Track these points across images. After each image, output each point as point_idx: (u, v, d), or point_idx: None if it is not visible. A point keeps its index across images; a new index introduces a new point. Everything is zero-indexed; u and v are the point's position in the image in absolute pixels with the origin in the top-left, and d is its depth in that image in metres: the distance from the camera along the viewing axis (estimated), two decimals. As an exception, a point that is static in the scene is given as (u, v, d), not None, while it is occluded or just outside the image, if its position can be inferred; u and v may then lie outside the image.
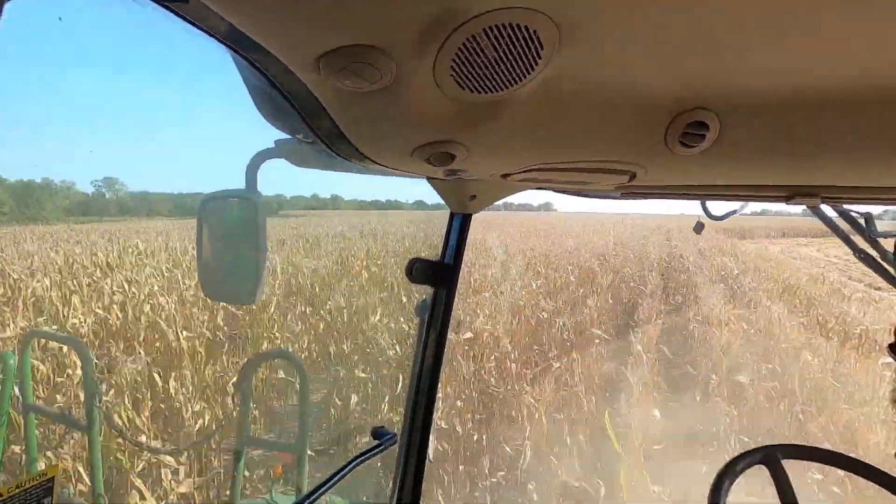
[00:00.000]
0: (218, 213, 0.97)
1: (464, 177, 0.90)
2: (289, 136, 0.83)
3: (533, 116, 0.60)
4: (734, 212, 1.03)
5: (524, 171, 0.81)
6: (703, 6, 0.38)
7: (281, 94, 0.56)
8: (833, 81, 0.49)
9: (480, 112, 0.57)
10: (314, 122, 0.62)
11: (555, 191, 1.12)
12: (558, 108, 0.58)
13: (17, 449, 3.31)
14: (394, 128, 0.63)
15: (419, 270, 1.14)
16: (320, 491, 1.07)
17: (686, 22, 0.41)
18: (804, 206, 0.92)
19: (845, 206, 0.95)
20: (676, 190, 0.90)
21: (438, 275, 1.17)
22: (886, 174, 0.70)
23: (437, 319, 1.18)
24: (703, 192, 0.93)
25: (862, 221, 0.95)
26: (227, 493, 2.81)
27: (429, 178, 0.97)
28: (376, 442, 1.21)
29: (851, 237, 1.02)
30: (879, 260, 1.01)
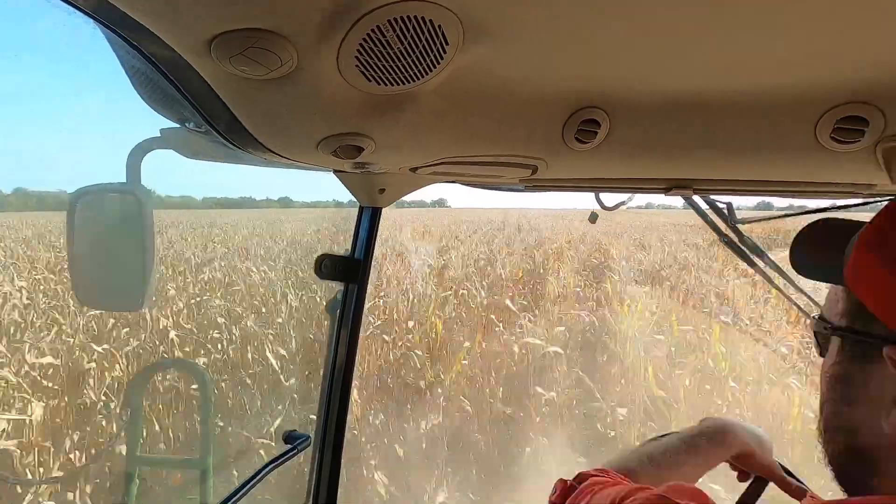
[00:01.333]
0: (94, 209, 0.86)
1: (372, 170, 0.89)
2: (176, 125, 0.76)
3: (439, 110, 0.61)
4: (623, 203, 1.13)
5: (433, 165, 0.82)
6: (598, 13, 0.41)
7: (165, 79, 0.51)
8: (706, 86, 0.55)
9: (387, 104, 0.57)
10: (207, 111, 0.57)
11: (463, 184, 1.14)
12: (464, 103, 0.60)
13: None
14: (297, 119, 0.60)
15: (328, 266, 1.11)
16: (230, 500, 1.00)
17: (582, 26, 0.43)
18: (681, 198, 1.03)
19: (712, 197, 1.09)
20: (574, 183, 0.96)
21: (348, 270, 1.15)
22: (748, 169, 0.81)
23: (348, 316, 1.15)
24: (597, 185, 1.01)
25: (725, 210, 1.09)
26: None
27: (336, 172, 0.94)
28: (288, 446, 1.16)
29: (717, 224, 1.17)
30: (738, 244, 1.16)
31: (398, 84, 0.50)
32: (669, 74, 0.53)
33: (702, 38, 0.45)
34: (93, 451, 4.38)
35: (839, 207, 1.14)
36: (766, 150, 0.71)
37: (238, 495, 1.02)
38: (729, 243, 1.13)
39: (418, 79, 0.50)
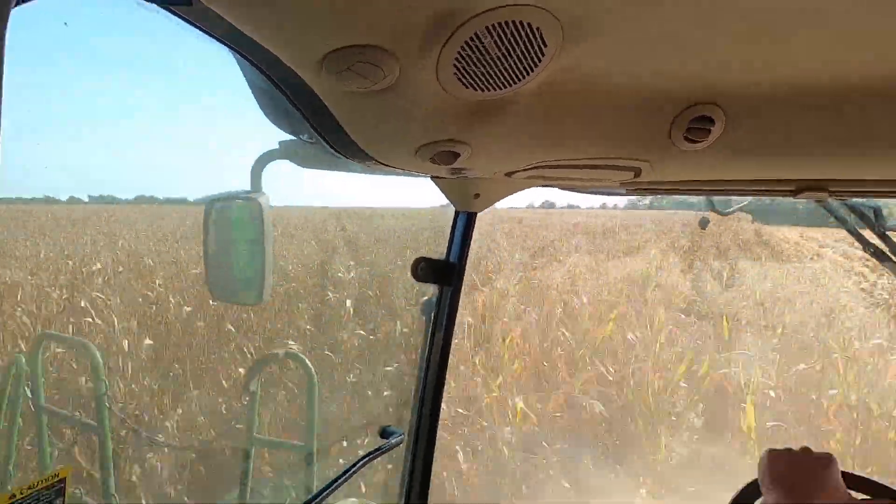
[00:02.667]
0: (223, 215, 0.98)
1: (468, 175, 0.90)
2: (293, 137, 0.83)
3: (537, 114, 0.60)
4: (741, 206, 1.02)
5: (529, 169, 0.81)
6: (707, 1, 0.38)
7: (284, 95, 0.56)
8: (839, 76, 0.48)
9: (484, 110, 0.57)
10: (317, 123, 0.62)
11: (560, 188, 1.12)
12: (562, 105, 0.58)
13: (30, 450, 3.34)
14: (397, 127, 0.63)
15: (424, 269, 1.14)
16: (329, 490, 1.07)
17: (690, 17, 0.40)
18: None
19: (854, 200, 0.94)
20: (682, 185, 0.89)
21: (443, 273, 1.17)
22: (894, 167, 0.69)
23: (442, 318, 1.18)
24: (709, 188, 0.92)
25: (871, 215, 0.94)
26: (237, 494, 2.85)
27: (433, 177, 0.97)
28: (384, 441, 1.21)
29: (861, 231, 1.01)
30: (888, 253, 1.00)
31: (495, 89, 0.50)
32: (795, 62, 0.47)
33: (834, 18, 0.39)
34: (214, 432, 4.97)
35: None
36: None
37: (338, 483, 1.08)
38: (876, 253, 0.98)
39: (515, 83, 0.50)
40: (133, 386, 5.28)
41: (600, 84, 0.54)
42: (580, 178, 0.88)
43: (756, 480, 0.92)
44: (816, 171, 0.76)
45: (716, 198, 1.04)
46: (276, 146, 0.96)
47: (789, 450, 0.76)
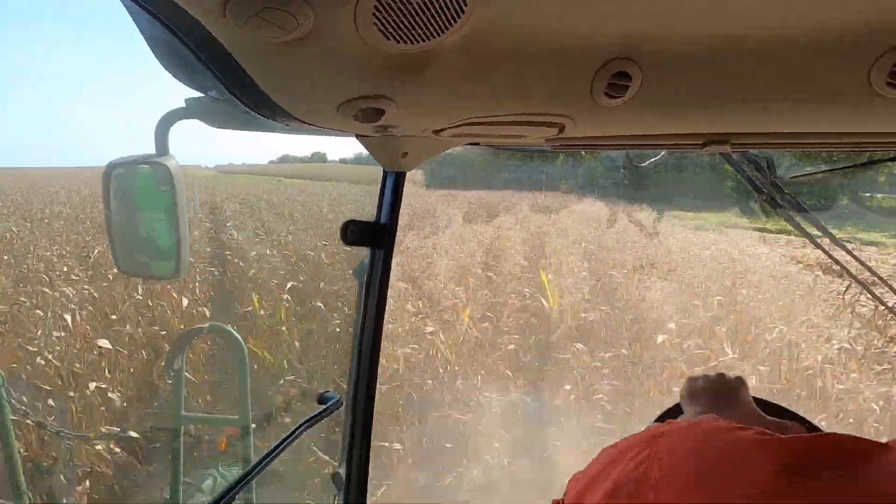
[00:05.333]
0: (127, 181, 0.89)
1: (395, 133, 0.88)
2: (200, 94, 0.76)
3: (461, 69, 0.58)
4: (657, 160, 1.09)
5: (456, 126, 0.80)
6: None
7: (186, 47, 0.51)
8: (745, 30, 0.51)
9: (408, 64, 0.55)
10: (227, 78, 0.57)
11: (487, 145, 1.12)
12: (487, 59, 0.57)
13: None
14: (317, 82, 0.59)
15: (354, 232, 1.12)
16: (267, 460, 1.06)
17: None
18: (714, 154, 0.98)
19: (751, 153, 1.03)
20: (603, 141, 0.93)
21: (375, 235, 1.15)
22: (791, 121, 0.76)
23: (375, 281, 1.17)
24: (628, 143, 0.97)
25: (765, 166, 1.04)
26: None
27: (358, 136, 0.93)
28: (321, 407, 1.20)
29: (755, 181, 1.11)
30: (779, 201, 1.11)
31: (418, 41, 0.48)
32: (705, 18, 0.49)
33: None
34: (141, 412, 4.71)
35: (891, 159, 1.07)
36: (812, 99, 0.66)
37: (275, 452, 1.07)
38: (769, 201, 1.08)
39: (438, 34, 0.48)
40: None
41: (523, 39, 0.53)
42: (506, 135, 0.89)
43: (678, 403, 1.05)
44: (721, 126, 0.81)
45: (632, 152, 1.09)
46: (183, 104, 0.88)
47: (706, 375, 0.85)
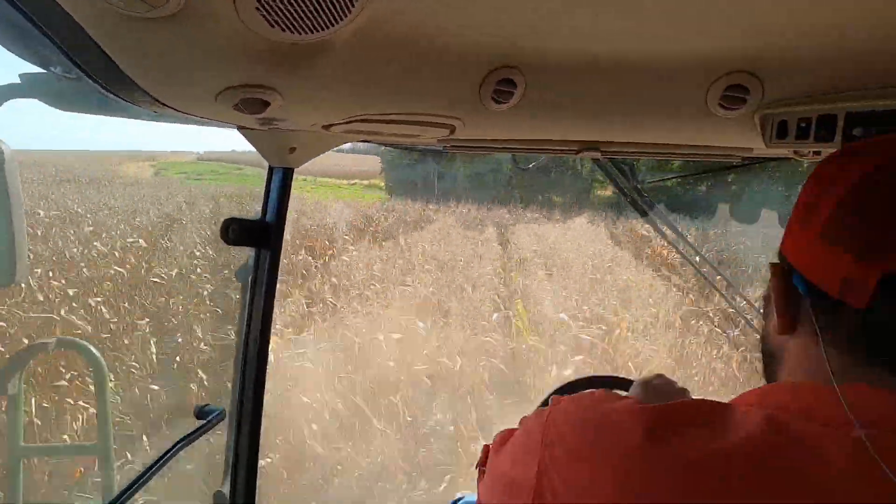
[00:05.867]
0: None
1: (281, 126, 0.83)
2: (41, 70, 0.65)
3: (353, 64, 0.57)
4: (539, 163, 1.17)
5: (346, 122, 0.78)
6: None
7: (20, 13, 0.43)
8: (612, 49, 0.57)
9: (297, 55, 0.52)
10: (77, 54, 0.49)
11: (379, 143, 1.11)
12: (378, 57, 0.57)
13: None
14: (190, 66, 0.53)
15: (236, 231, 1.03)
16: (134, 487, 0.94)
17: None
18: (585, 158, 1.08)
19: (618, 159, 1.15)
20: (492, 143, 0.97)
21: (260, 235, 1.08)
22: (647, 132, 0.86)
23: (261, 283, 1.09)
24: (513, 146, 1.02)
25: (629, 172, 1.17)
26: (5, 516, 2.33)
27: (240, 128, 0.87)
28: (201, 422, 1.10)
29: (621, 185, 1.25)
30: (640, 203, 1.26)
31: (306, 32, 0.46)
32: (580, 35, 0.54)
33: (608, 1, 0.46)
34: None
35: (720, 169, 1.26)
36: (664, 115, 0.76)
37: (143, 479, 0.95)
38: (633, 202, 1.22)
39: (328, 27, 0.46)
40: None
41: (415, 38, 0.54)
42: (398, 134, 0.89)
43: (568, 383, 1.15)
44: (593, 134, 0.90)
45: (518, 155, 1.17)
46: (18, 80, 0.74)
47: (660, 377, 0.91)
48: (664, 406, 0.43)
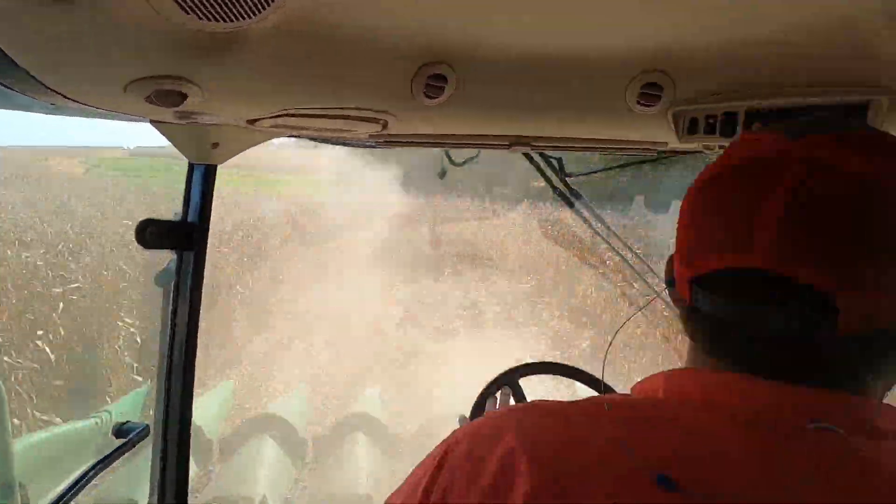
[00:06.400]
0: None
1: (202, 121, 0.78)
2: None
3: (278, 55, 0.55)
4: (472, 159, 1.19)
5: (273, 117, 0.75)
6: None
7: None
8: (539, 46, 0.59)
9: (216, 45, 0.49)
10: None
11: (309, 138, 1.07)
12: (304, 50, 0.55)
13: None
14: (94, 56, 0.49)
15: (154, 234, 0.96)
16: None
17: None
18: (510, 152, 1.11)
19: (547, 153, 1.20)
20: (424, 139, 0.97)
21: (182, 236, 1.01)
22: (573, 127, 0.90)
23: (185, 288, 1.02)
24: (447, 142, 1.03)
25: (557, 165, 1.22)
26: None
27: (153, 122, 0.80)
28: (121, 441, 1.02)
29: (549, 178, 1.30)
30: (567, 195, 1.31)
31: (225, 20, 0.44)
32: (509, 32, 0.55)
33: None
34: None
35: (641, 162, 1.35)
36: (588, 111, 0.79)
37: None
38: (560, 194, 1.27)
39: (248, 16, 0.44)
40: None
41: (343, 33, 0.52)
42: (328, 129, 0.87)
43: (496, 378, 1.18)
44: (525, 129, 0.92)
45: (452, 150, 1.17)
46: None
47: None
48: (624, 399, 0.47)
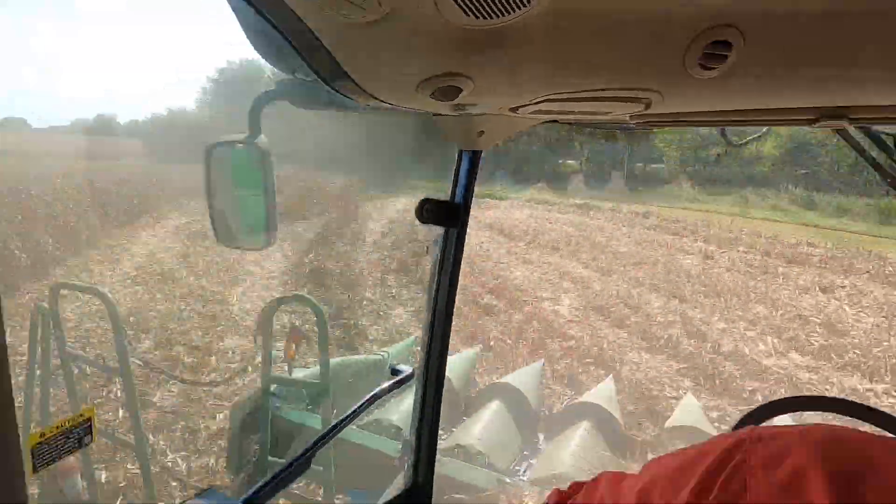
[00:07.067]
0: (223, 160, 0.96)
1: (471, 111, 0.87)
2: (290, 76, 0.80)
3: (542, 43, 0.56)
4: (758, 137, 0.98)
5: (535, 104, 0.78)
6: None
7: (276, 30, 0.54)
8: None
9: (486, 40, 0.54)
10: (312, 59, 0.59)
11: (567, 123, 1.08)
12: (568, 33, 0.55)
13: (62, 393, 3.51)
14: (396, 61, 0.60)
15: (430, 211, 1.13)
16: (342, 424, 1.13)
17: None
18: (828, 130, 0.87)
19: (875, 128, 0.91)
20: (695, 117, 0.86)
21: (449, 214, 1.16)
22: None
23: (448, 259, 1.18)
24: (722, 119, 0.89)
25: (892, 144, 0.90)
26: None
27: (434, 115, 0.94)
28: (394, 379, 1.26)
29: (879, 162, 0.98)
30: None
31: (497, 15, 0.47)
32: None
33: None
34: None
35: None
36: None
37: (348, 418, 1.14)
38: (893, 183, 0.95)
39: (519, 8, 0.46)
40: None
41: (609, 10, 0.50)
42: (588, 112, 0.85)
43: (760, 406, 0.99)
44: (836, 98, 0.72)
45: (729, 128, 1.00)
46: (274, 87, 0.93)
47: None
48: None
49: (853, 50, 0.55)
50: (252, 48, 0.68)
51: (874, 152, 0.94)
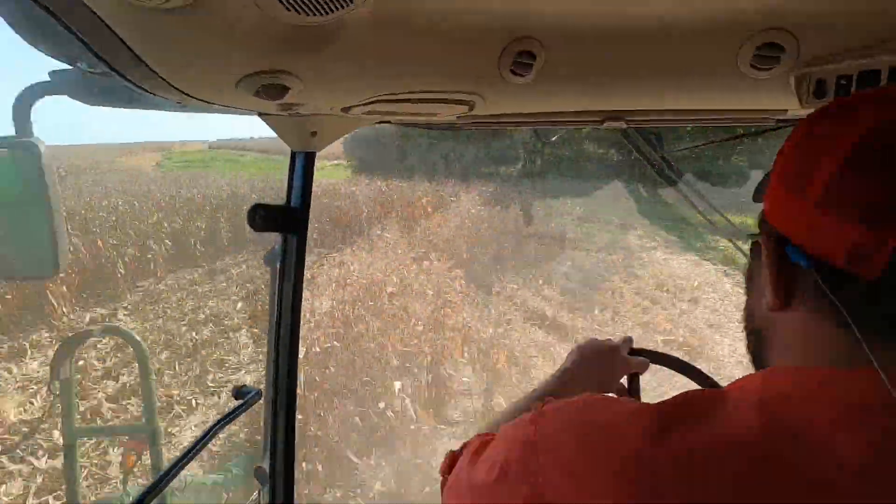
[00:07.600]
0: None
1: (302, 111, 0.83)
2: (68, 66, 0.67)
3: (370, 43, 0.57)
4: (559, 134, 1.14)
5: (366, 104, 0.78)
6: None
7: (42, 9, 0.44)
8: (635, 13, 0.55)
9: (313, 38, 0.52)
10: (99, 48, 0.50)
11: (399, 124, 1.10)
12: (394, 36, 0.56)
13: None
14: (210, 55, 0.54)
15: (263, 218, 1.05)
16: (179, 465, 0.99)
17: None
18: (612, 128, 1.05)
19: (643, 128, 1.12)
20: (512, 118, 0.95)
21: (286, 220, 1.10)
22: (674, 98, 0.83)
23: (289, 268, 1.11)
24: (535, 120, 1.00)
25: (655, 141, 1.13)
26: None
27: (261, 115, 0.87)
28: (238, 402, 1.15)
29: (647, 155, 1.21)
30: (667, 171, 1.22)
31: (321, 13, 0.46)
32: (600, 1, 0.52)
33: None
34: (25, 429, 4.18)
35: (752, 134, 1.21)
36: (692, 79, 0.73)
37: (186, 458, 1.00)
38: (660, 173, 1.19)
39: (343, 6, 0.46)
40: None
41: (429, 16, 0.53)
42: (416, 113, 0.88)
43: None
44: (617, 103, 0.87)
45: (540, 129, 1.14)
46: (47, 77, 0.76)
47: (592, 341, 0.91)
48: (659, 405, 0.42)
49: (630, 65, 0.67)
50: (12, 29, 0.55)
51: (646, 150, 1.16)
